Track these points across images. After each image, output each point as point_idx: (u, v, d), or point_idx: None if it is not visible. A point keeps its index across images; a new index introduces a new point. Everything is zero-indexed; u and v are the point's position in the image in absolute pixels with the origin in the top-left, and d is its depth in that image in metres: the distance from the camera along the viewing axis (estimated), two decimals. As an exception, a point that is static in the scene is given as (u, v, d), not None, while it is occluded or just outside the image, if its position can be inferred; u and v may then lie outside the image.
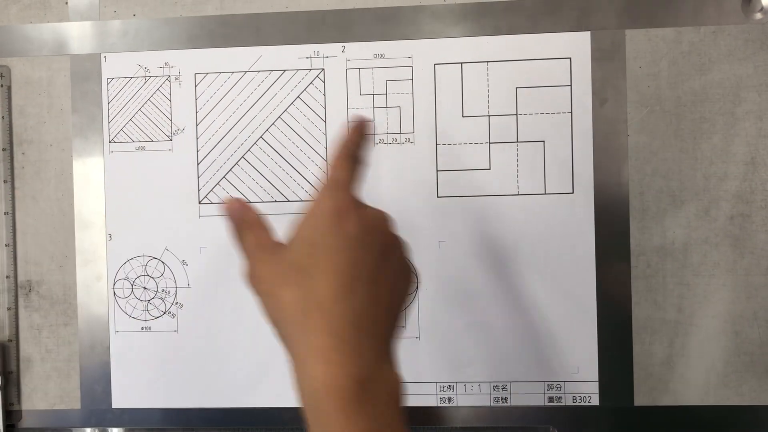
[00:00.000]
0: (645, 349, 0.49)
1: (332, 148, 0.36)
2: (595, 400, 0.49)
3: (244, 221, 0.34)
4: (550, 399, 0.50)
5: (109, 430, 0.53)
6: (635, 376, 0.49)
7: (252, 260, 0.34)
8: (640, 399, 0.49)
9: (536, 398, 0.50)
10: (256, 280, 0.33)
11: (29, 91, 0.53)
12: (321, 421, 0.29)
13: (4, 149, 0.52)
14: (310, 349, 0.30)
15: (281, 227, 0.50)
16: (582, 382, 0.49)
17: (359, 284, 0.31)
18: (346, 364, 0.29)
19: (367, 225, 0.32)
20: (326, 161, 0.37)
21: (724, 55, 0.49)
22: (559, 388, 0.50)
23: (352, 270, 0.31)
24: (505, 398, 0.50)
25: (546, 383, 0.50)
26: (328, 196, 0.32)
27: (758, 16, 0.48)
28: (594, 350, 0.49)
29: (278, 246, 0.33)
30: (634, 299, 0.49)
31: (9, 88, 0.52)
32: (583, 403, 0.49)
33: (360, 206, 0.33)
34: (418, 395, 0.50)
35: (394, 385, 0.31)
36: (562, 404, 0.50)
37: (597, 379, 0.49)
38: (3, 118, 0.52)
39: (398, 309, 0.33)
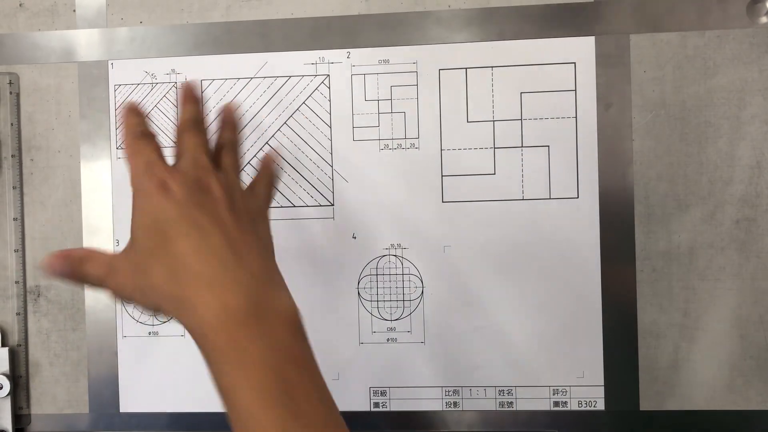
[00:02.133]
0: (651, 354, 0.49)
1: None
2: (600, 405, 0.49)
3: (72, 262, 0.33)
4: (556, 403, 0.50)
5: (117, 434, 0.53)
6: (641, 380, 0.49)
7: (107, 282, 0.33)
8: (646, 403, 0.49)
9: (542, 402, 0.50)
10: (121, 291, 0.33)
11: (38, 98, 0.53)
12: (216, 354, 0.29)
13: (13, 155, 0.53)
14: (190, 293, 0.30)
15: (289, 232, 0.51)
16: (587, 387, 0.49)
17: (203, 232, 0.31)
18: (230, 290, 0.29)
19: (186, 175, 0.33)
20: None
21: (729, 59, 0.49)
22: (564, 393, 0.50)
23: (197, 225, 0.31)
24: (511, 402, 0.50)
25: (551, 387, 0.50)
26: (134, 162, 0.34)
27: (764, 20, 0.48)
28: (599, 354, 0.49)
29: (116, 258, 0.33)
30: (639, 303, 0.49)
31: (18, 95, 0.53)
32: (588, 408, 0.50)
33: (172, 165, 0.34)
34: (423, 399, 0.50)
35: (287, 310, 0.31)
36: (568, 408, 0.50)
37: (602, 384, 0.49)
38: (12, 124, 0.53)
39: (265, 231, 0.36)
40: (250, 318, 0.29)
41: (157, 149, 0.34)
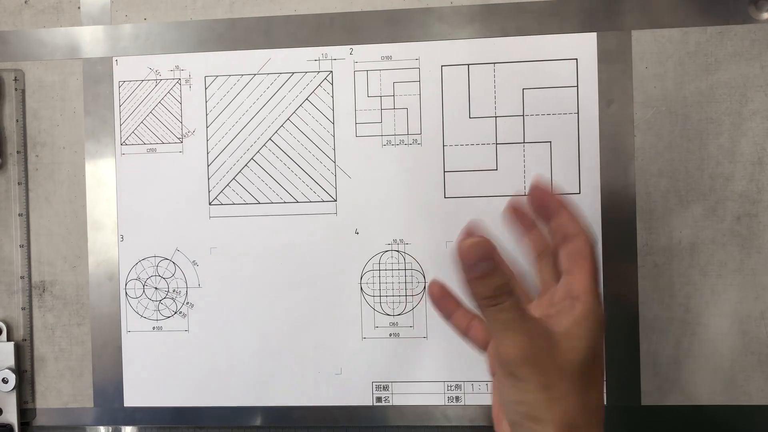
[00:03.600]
0: (652, 349, 0.49)
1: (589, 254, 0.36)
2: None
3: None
4: (558, 398, 0.50)
5: (121, 428, 0.53)
6: (642, 375, 0.49)
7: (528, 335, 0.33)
8: (647, 398, 0.49)
9: (543, 397, 0.50)
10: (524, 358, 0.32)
11: (43, 94, 0.53)
12: None
13: (18, 152, 0.53)
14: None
15: (292, 227, 0.51)
16: (589, 382, 0.50)
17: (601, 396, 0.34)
18: None
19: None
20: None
21: (731, 56, 0.49)
22: (566, 388, 0.50)
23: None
24: (513, 397, 0.50)
25: (553, 382, 0.50)
26: (599, 307, 0.34)
27: (765, 16, 0.49)
28: (601, 350, 0.49)
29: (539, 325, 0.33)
30: (641, 299, 0.49)
31: (23, 91, 0.53)
32: (590, 403, 0.50)
33: None
34: (425, 394, 0.51)
35: None
36: (570, 403, 0.50)
37: (604, 379, 0.49)
38: (17, 121, 0.53)
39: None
40: None
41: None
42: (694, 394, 0.49)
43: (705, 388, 0.49)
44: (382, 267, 0.51)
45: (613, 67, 0.49)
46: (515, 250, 0.40)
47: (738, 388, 0.49)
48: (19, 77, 0.53)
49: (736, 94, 0.49)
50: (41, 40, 0.53)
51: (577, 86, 0.50)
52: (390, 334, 0.51)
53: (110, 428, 0.54)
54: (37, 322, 0.54)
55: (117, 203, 0.53)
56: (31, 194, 0.54)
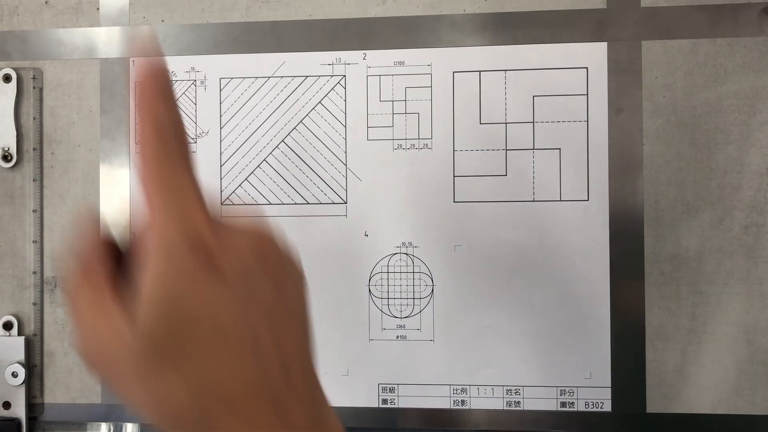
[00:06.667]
0: (658, 356, 0.50)
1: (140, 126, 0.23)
2: (607, 406, 0.50)
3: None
4: (563, 404, 0.50)
5: (128, 424, 0.54)
6: (648, 382, 0.50)
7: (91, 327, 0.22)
8: (653, 406, 0.50)
9: (549, 403, 0.50)
10: (94, 358, 0.22)
11: (60, 93, 0.54)
12: None
13: (34, 149, 0.54)
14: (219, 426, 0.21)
15: (303, 228, 0.52)
16: (594, 388, 0.50)
17: (256, 354, 0.21)
18: None
19: (242, 258, 0.22)
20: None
21: (740, 67, 0.49)
22: (571, 394, 0.50)
23: (243, 338, 0.21)
24: (518, 402, 0.50)
25: (558, 388, 0.50)
26: (170, 218, 0.22)
27: (774, 29, 0.49)
28: (607, 356, 0.50)
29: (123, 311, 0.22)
30: (647, 306, 0.50)
31: (41, 89, 0.54)
32: (595, 409, 0.50)
33: (219, 226, 0.23)
34: (431, 398, 0.51)
35: None
36: (575, 409, 0.50)
37: (610, 385, 0.50)
38: (34, 118, 0.54)
39: (307, 349, 0.24)
40: None
41: (199, 188, 0.23)
42: (699, 402, 0.50)
43: (710, 396, 0.49)
44: (391, 269, 0.51)
45: (623, 76, 0.50)
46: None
47: (743, 397, 0.49)
48: (38, 76, 0.54)
49: (745, 105, 0.49)
50: (60, 40, 0.54)
51: (587, 95, 0.50)
52: (397, 337, 0.51)
53: (111, 425, 0.54)
54: (48, 318, 0.54)
55: (130, 201, 0.53)
56: (45, 191, 0.54)
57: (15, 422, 0.53)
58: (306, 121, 0.52)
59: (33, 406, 0.54)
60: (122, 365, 0.21)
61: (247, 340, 0.21)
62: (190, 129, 0.53)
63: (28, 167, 0.54)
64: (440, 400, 0.51)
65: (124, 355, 0.21)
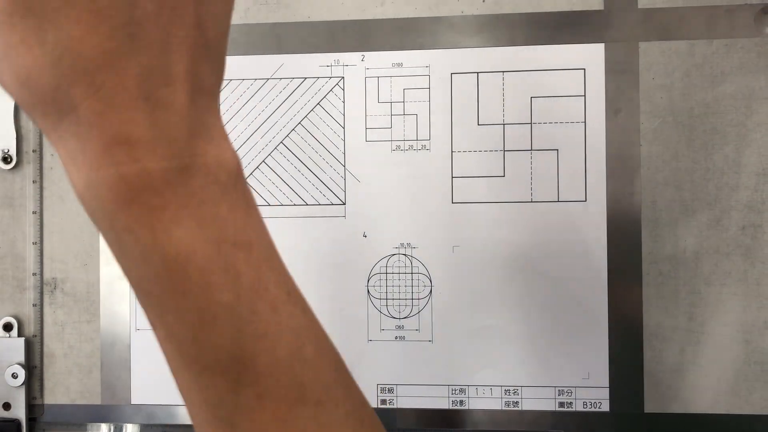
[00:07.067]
0: (655, 356, 0.50)
1: None
2: (605, 406, 0.50)
3: None
4: (561, 404, 0.50)
5: (128, 425, 0.54)
6: (645, 382, 0.50)
7: None
8: (650, 406, 0.50)
9: (547, 403, 0.50)
10: None
11: (59, 95, 0.54)
12: (115, 241, 0.20)
13: (34, 150, 0.54)
14: (78, 145, 0.19)
15: (301, 229, 0.52)
16: (592, 388, 0.50)
17: (129, 26, 0.19)
18: (141, 157, 0.19)
19: None
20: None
21: (737, 68, 0.50)
22: (569, 394, 0.50)
23: (117, 4, 0.18)
24: (516, 402, 0.51)
25: (557, 388, 0.50)
26: None
27: (771, 30, 0.49)
28: (605, 356, 0.50)
29: None
30: (645, 306, 0.50)
31: (40, 91, 0.54)
32: (593, 409, 0.50)
33: None
34: (430, 398, 0.51)
35: (228, 168, 0.21)
36: (573, 409, 0.50)
37: (607, 385, 0.50)
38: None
39: (202, 54, 0.21)
40: (182, 188, 0.20)
41: None
42: (696, 402, 0.50)
43: (708, 396, 0.50)
44: (389, 270, 0.51)
45: (621, 77, 0.50)
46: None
47: (740, 397, 0.49)
48: (37, 78, 0.54)
49: (742, 106, 0.49)
50: (60, 42, 0.54)
51: (585, 96, 0.50)
52: (396, 337, 0.51)
53: (111, 426, 0.54)
54: (47, 319, 0.55)
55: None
56: (45, 192, 0.55)
57: (15, 423, 0.53)
58: (305, 122, 0.52)
59: (33, 407, 0.54)
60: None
61: (123, 8, 0.18)
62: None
63: (28, 169, 0.54)
64: (439, 401, 0.51)
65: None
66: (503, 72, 0.51)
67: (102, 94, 0.19)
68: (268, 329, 0.21)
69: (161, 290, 0.20)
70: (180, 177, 0.19)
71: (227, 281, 0.20)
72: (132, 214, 0.19)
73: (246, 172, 0.52)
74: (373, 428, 0.23)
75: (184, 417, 0.53)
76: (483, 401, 0.51)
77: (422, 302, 0.51)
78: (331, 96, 0.52)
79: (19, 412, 0.53)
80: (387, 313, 0.52)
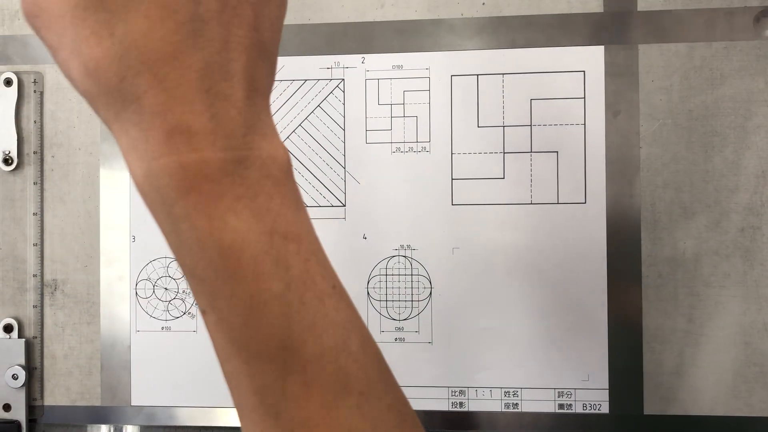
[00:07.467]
0: (655, 358, 0.50)
1: None
2: (605, 408, 0.50)
3: None
4: (561, 406, 0.50)
5: (129, 427, 0.54)
6: (645, 384, 0.50)
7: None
8: (650, 407, 0.50)
9: (547, 405, 0.51)
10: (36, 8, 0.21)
11: (60, 96, 0.55)
12: (172, 229, 0.21)
13: (35, 152, 0.54)
14: (140, 134, 0.20)
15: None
16: (592, 390, 0.50)
17: (193, 22, 0.20)
18: (201, 147, 0.20)
19: None
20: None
21: (736, 70, 0.50)
22: (569, 395, 0.50)
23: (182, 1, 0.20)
24: (516, 404, 0.51)
25: (556, 390, 0.50)
26: None
27: (770, 32, 0.49)
28: (605, 358, 0.50)
29: None
30: (644, 308, 0.50)
31: (42, 93, 0.55)
32: (593, 411, 0.50)
33: None
34: (430, 399, 0.51)
35: (280, 164, 0.22)
36: (572, 411, 0.50)
37: (607, 387, 0.50)
38: (35, 122, 0.54)
39: (269, 41, 0.22)
40: (235, 181, 0.21)
41: None
42: (696, 404, 0.50)
43: (707, 398, 0.50)
44: (389, 272, 0.52)
45: (620, 79, 0.50)
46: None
47: (740, 399, 0.49)
48: (38, 79, 0.54)
49: (741, 109, 0.50)
50: (60, 44, 0.54)
51: (584, 98, 0.50)
52: (395, 339, 0.51)
53: (111, 427, 0.54)
54: (48, 320, 0.55)
55: (130, 204, 0.54)
56: (46, 194, 0.55)
57: (15, 424, 0.53)
58: (305, 124, 0.52)
59: (33, 409, 0.54)
60: (57, 8, 0.20)
61: (188, 5, 0.20)
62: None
63: (29, 170, 0.54)
64: (438, 402, 0.51)
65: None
66: (503, 74, 0.51)
67: (165, 85, 0.20)
68: (316, 319, 0.21)
69: (215, 277, 0.21)
70: (236, 168, 0.20)
71: (278, 271, 0.21)
72: (190, 202, 0.20)
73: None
74: (413, 424, 0.24)
75: (184, 418, 0.53)
76: (483, 403, 0.51)
77: (422, 304, 0.51)
78: (331, 98, 0.52)
79: (19, 413, 0.53)
80: (387, 315, 0.52)
